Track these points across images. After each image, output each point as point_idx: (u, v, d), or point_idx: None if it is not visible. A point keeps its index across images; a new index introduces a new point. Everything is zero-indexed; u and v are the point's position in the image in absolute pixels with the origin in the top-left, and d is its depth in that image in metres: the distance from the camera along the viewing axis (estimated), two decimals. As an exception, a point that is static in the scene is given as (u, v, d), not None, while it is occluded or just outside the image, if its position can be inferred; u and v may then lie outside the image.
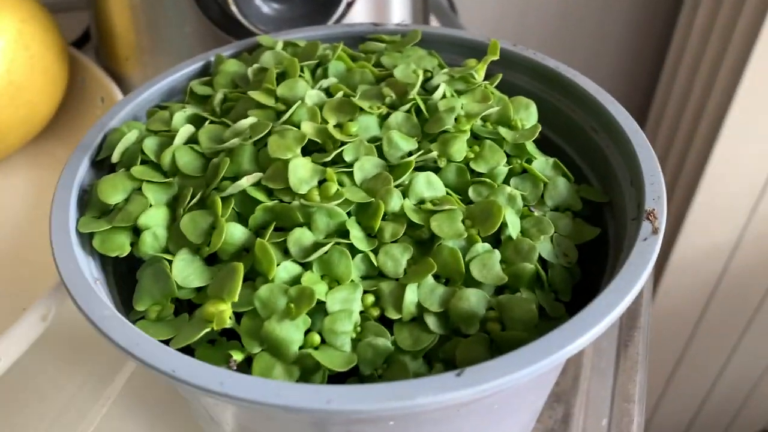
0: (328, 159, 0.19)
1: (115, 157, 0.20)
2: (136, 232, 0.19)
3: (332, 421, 0.16)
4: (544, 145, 0.22)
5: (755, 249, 0.82)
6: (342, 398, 0.14)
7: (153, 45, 0.36)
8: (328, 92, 0.22)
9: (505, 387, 0.14)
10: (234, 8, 0.31)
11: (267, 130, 0.20)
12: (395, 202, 0.19)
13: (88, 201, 0.20)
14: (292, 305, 0.17)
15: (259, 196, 0.19)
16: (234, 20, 0.33)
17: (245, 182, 0.19)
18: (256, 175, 0.19)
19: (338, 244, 0.18)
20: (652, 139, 0.79)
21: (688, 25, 0.69)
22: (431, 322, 0.17)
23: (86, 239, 0.19)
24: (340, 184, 0.19)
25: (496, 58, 0.23)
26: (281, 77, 0.22)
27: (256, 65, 0.23)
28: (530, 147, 0.21)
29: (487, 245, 0.18)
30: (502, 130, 0.21)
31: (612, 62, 0.77)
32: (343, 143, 0.20)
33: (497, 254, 0.18)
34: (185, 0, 0.34)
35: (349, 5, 0.33)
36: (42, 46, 0.35)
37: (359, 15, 0.36)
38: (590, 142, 0.22)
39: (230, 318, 0.17)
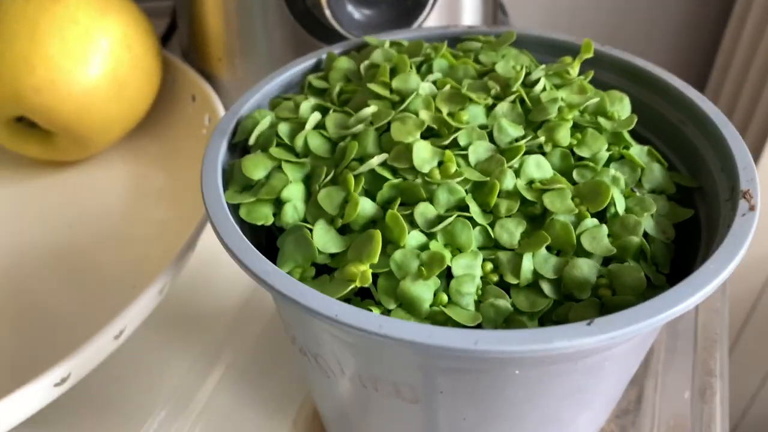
0: (446, 143, 0.22)
1: (252, 140, 0.23)
2: (277, 205, 0.21)
3: (463, 363, 0.18)
4: (634, 137, 0.24)
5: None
6: (487, 340, 0.16)
7: (244, 48, 0.38)
8: (436, 86, 0.24)
9: (629, 336, 0.16)
10: (329, 14, 0.33)
11: (389, 118, 0.22)
12: (509, 181, 0.21)
13: (229, 178, 0.22)
14: (423, 268, 0.19)
15: (386, 174, 0.21)
16: (323, 25, 0.35)
17: (375, 161, 0.21)
18: (383, 156, 0.21)
19: (460, 216, 0.20)
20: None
21: (740, 21, 0.70)
22: (546, 287, 0.19)
23: (232, 211, 0.21)
24: (457, 166, 0.21)
25: (590, 55, 0.25)
26: (392, 72, 0.25)
27: (366, 61, 0.26)
28: (627, 136, 0.23)
29: (595, 220, 0.20)
30: (601, 120, 0.23)
31: (661, 62, 0.78)
32: (456, 129, 0.22)
33: (605, 228, 0.20)
34: (276, 7, 0.37)
35: (430, 11, 0.36)
36: (142, 48, 0.38)
37: (433, 21, 0.38)
38: (679, 135, 0.24)
39: (370, 277, 0.19)
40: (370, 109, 0.23)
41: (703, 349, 0.26)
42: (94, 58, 0.35)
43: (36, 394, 0.24)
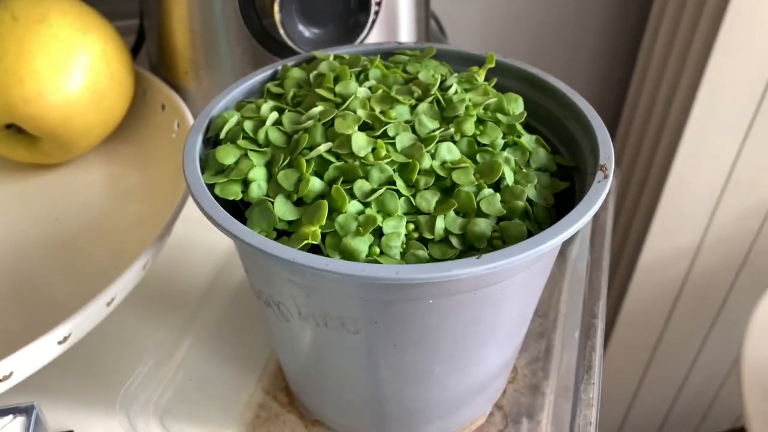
0: (377, 134, 0.28)
1: (223, 135, 0.28)
2: (244, 184, 0.27)
3: (390, 294, 0.23)
4: (528, 129, 0.30)
5: (716, 252, 0.90)
6: (405, 270, 0.22)
7: (208, 62, 0.44)
8: (371, 90, 0.30)
9: (508, 266, 0.22)
10: (283, 33, 0.39)
11: (333, 115, 0.28)
12: (426, 162, 0.27)
13: (205, 165, 0.28)
14: (360, 228, 0.25)
15: (331, 158, 0.27)
16: (278, 42, 0.41)
17: (322, 148, 0.27)
18: (328, 144, 0.27)
19: (388, 189, 0.26)
20: (621, 149, 0.88)
21: (652, 37, 0.78)
22: (454, 241, 0.25)
23: (209, 190, 0.26)
24: (386, 151, 0.27)
25: (492, 66, 0.31)
26: (335, 80, 0.30)
27: (315, 71, 0.31)
28: (519, 128, 0.29)
29: (491, 190, 0.26)
30: (499, 116, 0.29)
31: (583, 78, 0.86)
32: (386, 123, 0.28)
33: (498, 196, 0.26)
34: (236, 26, 0.42)
35: (370, 30, 0.42)
36: (118, 63, 0.43)
37: (373, 39, 0.44)
38: (562, 126, 0.30)
39: (320, 236, 0.25)
40: (318, 109, 0.28)
41: (589, 298, 0.32)
42: (76, 72, 0.40)
43: (43, 350, 0.29)
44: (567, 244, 0.39)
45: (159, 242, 0.33)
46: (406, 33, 0.46)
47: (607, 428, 1.16)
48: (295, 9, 0.39)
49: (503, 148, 0.28)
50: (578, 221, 0.24)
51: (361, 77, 0.31)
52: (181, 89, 0.45)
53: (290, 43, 0.40)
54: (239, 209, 0.27)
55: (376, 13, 0.42)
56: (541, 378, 0.34)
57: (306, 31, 0.40)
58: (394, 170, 0.27)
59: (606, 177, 0.25)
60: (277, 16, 0.39)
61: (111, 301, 0.32)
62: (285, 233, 0.26)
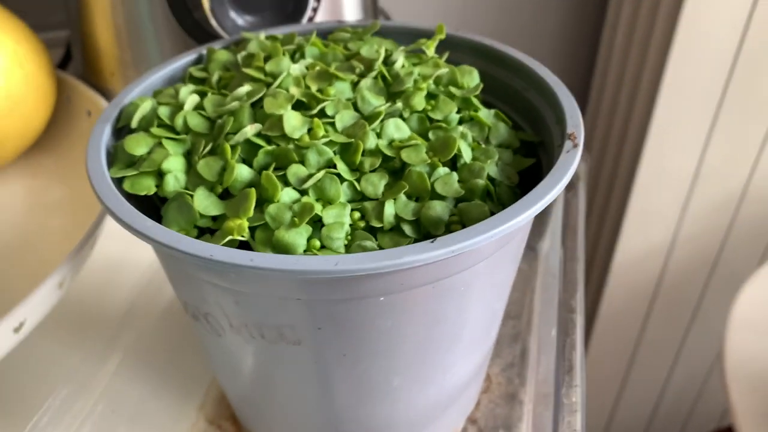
0: (314, 113, 0.24)
1: (134, 123, 0.24)
2: (159, 177, 0.23)
3: (332, 293, 0.20)
4: (486, 105, 0.27)
5: (689, 247, 0.89)
6: (346, 261, 0.18)
7: (135, 60, 0.40)
8: (307, 69, 0.27)
9: (469, 250, 0.19)
10: (213, 21, 0.36)
11: (261, 94, 0.24)
12: (371, 141, 0.23)
13: (113, 158, 0.24)
14: (295, 218, 0.21)
15: (260, 142, 0.23)
16: (209, 33, 0.37)
17: (249, 131, 0.23)
18: (257, 126, 0.23)
19: (328, 174, 0.22)
20: (587, 147, 0.86)
21: (612, 31, 0.76)
22: (407, 228, 0.22)
23: (117, 185, 0.22)
24: (325, 131, 0.24)
25: (443, 37, 0.28)
26: (266, 60, 0.27)
27: (244, 52, 0.28)
28: (475, 101, 0.26)
29: (446, 169, 0.23)
30: (452, 89, 0.26)
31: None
32: (324, 101, 0.24)
33: (455, 175, 0.23)
34: (164, 19, 0.38)
35: (311, 19, 0.38)
36: (34, 65, 0.39)
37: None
38: (524, 101, 0.27)
39: (247, 230, 0.21)
40: (245, 89, 0.25)
41: (565, 292, 0.29)
42: (-18, 74, 0.36)
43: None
44: (537, 238, 0.36)
45: (76, 257, 0.29)
46: (353, 17, 0.43)
47: (590, 436, 1.13)
48: (226, -5, 0.36)
49: (459, 124, 0.25)
50: (547, 195, 0.20)
51: (297, 56, 0.28)
52: (109, 92, 0.41)
53: (223, 34, 0.36)
54: (157, 210, 0.23)
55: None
56: (518, 385, 0.30)
57: (239, 19, 0.36)
58: (334, 152, 0.23)
59: (575, 146, 0.22)
60: (206, 4, 0.36)
61: (20, 326, 0.27)
62: (210, 231, 0.22)
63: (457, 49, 0.29)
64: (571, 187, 0.35)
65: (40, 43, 0.40)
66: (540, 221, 0.35)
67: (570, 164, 0.21)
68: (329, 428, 0.26)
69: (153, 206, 0.24)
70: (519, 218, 0.19)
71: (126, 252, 0.35)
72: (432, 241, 0.19)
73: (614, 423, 1.12)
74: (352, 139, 0.23)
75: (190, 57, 0.29)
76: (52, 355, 0.31)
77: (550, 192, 0.20)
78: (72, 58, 0.48)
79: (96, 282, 0.33)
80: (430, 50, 0.28)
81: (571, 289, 0.29)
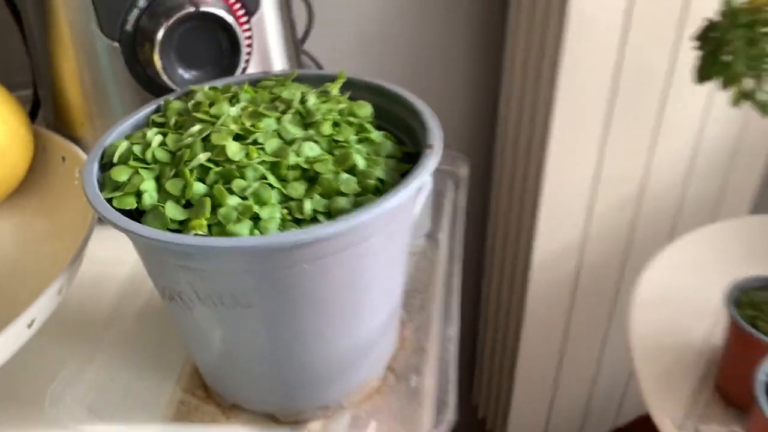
0: (249, 141, 0.33)
1: (116, 159, 0.33)
2: (138, 196, 0.31)
3: (270, 264, 0.28)
4: (381, 129, 0.36)
5: (600, 244, 0.99)
6: (276, 237, 0.27)
7: (101, 112, 0.48)
8: (241, 110, 0.36)
9: (359, 224, 0.28)
10: (164, 77, 0.44)
11: (209, 131, 0.33)
12: (292, 159, 0.32)
13: (102, 186, 0.32)
14: (240, 216, 0.30)
15: (210, 165, 0.32)
16: (162, 87, 0.46)
17: (202, 158, 0.32)
18: (207, 154, 0.32)
19: (263, 184, 0.31)
20: (500, 165, 0.96)
21: (511, 72, 0.87)
22: (321, 218, 0.31)
23: (109, 203, 0.31)
24: (258, 154, 0.32)
25: (344, 80, 0.37)
26: (211, 105, 0.36)
27: (193, 101, 0.37)
28: (368, 126, 0.35)
29: (347, 175, 0.32)
30: (351, 119, 0.35)
31: (456, 99, 0.95)
32: (256, 133, 0.33)
33: (354, 178, 0.32)
34: (124, 76, 0.47)
35: (244, 69, 0.48)
36: (17, 122, 0.46)
37: (252, 78, 0.50)
38: (406, 124, 0.36)
39: (206, 227, 0.29)
40: (197, 127, 0.33)
41: (448, 272, 0.39)
42: (-24, 132, 0.44)
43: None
44: (437, 230, 0.45)
45: (72, 267, 0.37)
46: (279, 66, 0.52)
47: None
48: (174, 56, 0.45)
49: (357, 143, 0.34)
50: (409, 185, 0.30)
51: (233, 101, 0.37)
52: (79, 140, 0.49)
53: (173, 86, 0.45)
54: (138, 220, 0.32)
55: (249, 53, 0.48)
56: (424, 341, 0.39)
57: (186, 74, 0.45)
58: (266, 169, 0.32)
59: (433, 152, 0.32)
60: (158, 64, 0.44)
61: (31, 323, 0.35)
62: (178, 232, 0.31)
63: (357, 89, 0.39)
64: (457, 187, 0.45)
65: (18, 101, 0.48)
66: (438, 216, 0.44)
67: (427, 163, 0.31)
68: (279, 375, 0.34)
69: (134, 218, 0.32)
70: (390, 201, 0.29)
71: (105, 268, 0.43)
72: (334, 220, 0.28)
73: (551, 420, 1.21)
74: (279, 159, 0.32)
75: (150, 107, 0.37)
76: (50, 349, 0.38)
77: (412, 182, 0.30)
78: (38, 111, 0.56)
79: (85, 289, 0.41)
80: (335, 90, 0.37)
81: (454, 262, 0.39)
